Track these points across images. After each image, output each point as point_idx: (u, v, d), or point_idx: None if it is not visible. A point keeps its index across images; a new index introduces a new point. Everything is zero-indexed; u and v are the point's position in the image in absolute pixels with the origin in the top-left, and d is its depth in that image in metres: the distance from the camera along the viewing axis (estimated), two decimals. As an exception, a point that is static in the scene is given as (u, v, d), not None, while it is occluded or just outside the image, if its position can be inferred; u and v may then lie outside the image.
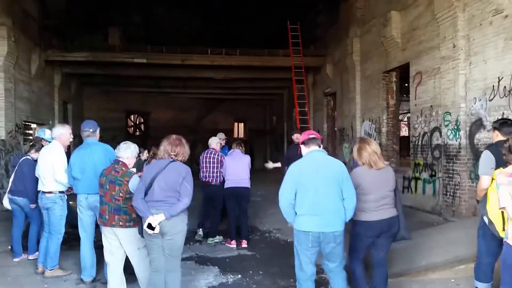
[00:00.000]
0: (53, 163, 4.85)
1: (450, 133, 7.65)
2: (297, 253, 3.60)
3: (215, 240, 6.72)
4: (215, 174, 6.77)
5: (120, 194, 4.01)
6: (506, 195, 2.98)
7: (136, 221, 3.92)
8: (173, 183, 3.65)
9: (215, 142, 6.98)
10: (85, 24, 15.78)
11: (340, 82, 13.31)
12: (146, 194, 3.67)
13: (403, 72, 10.07)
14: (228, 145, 8.75)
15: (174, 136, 3.88)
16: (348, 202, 3.53)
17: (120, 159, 4.18)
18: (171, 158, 3.75)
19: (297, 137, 6.98)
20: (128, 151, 4.21)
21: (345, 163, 12.56)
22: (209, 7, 19.00)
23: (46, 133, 5.82)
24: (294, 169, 3.62)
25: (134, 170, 4.38)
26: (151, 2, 18.38)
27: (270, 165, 7.88)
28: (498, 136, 3.87)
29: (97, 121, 5.06)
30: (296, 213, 3.55)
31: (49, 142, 5.27)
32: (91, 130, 4.77)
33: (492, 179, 3.51)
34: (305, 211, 3.49)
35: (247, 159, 6.67)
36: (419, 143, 8.91)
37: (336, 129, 14.45)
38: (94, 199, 4.54)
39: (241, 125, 25.93)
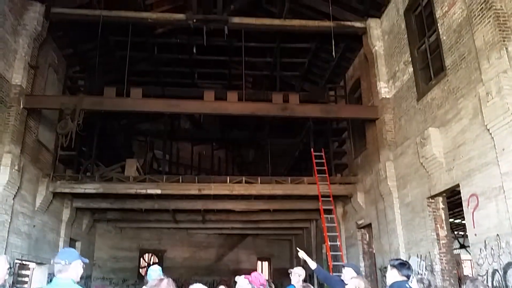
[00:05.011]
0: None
1: (534, 270, 5.78)
2: None
3: None
4: None
5: None
6: None
7: None
8: None
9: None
10: (103, 157, 15.42)
11: (376, 212, 11.70)
12: None
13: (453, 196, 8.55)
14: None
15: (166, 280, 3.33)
16: None
17: None
18: None
19: None
20: None
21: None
22: (232, 141, 18.85)
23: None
24: None
25: None
26: (173, 139, 18.33)
27: (303, 254, 6.48)
28: (396, 277, 3.75)
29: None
30: None
31: None
32: (63, 262, 3.20)
33: None
34: None
35: None
36: (489, 285, 6.89)
37: (375, 267, 12.27)
38: None
39: (265, 264, 23.57)
